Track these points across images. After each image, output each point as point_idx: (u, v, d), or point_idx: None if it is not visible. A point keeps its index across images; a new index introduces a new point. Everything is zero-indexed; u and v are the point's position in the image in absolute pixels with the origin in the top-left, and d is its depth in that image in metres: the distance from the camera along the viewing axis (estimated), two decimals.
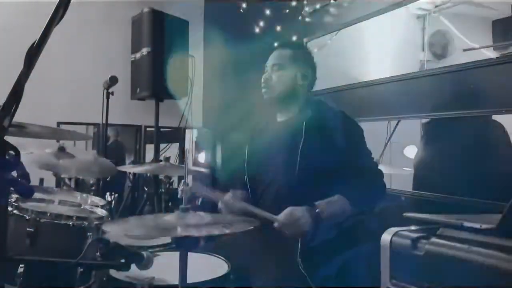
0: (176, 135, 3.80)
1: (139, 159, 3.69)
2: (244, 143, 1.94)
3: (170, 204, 3.18)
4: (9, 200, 1.53)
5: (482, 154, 1.77)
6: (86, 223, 1.57)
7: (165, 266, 1.41)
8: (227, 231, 1.11)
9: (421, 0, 2.16)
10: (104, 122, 2.71)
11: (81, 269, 1.35)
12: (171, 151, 3.69)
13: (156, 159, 3.27)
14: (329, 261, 1.58)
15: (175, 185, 3.57)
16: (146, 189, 3.22)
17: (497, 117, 1.80)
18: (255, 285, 1.56)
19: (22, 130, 1.63)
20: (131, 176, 3.56)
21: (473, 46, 2.07)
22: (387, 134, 2.36)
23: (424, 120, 2.18)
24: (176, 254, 1.15)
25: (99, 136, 3.37)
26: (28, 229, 1.48)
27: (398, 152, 2.38)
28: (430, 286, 1.12)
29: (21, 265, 1.28)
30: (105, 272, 1.36)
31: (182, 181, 3.23)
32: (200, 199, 3.52)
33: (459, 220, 1.15)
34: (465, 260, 1.04)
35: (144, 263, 1.20)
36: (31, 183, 0.81)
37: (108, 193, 2.06)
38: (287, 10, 2.87)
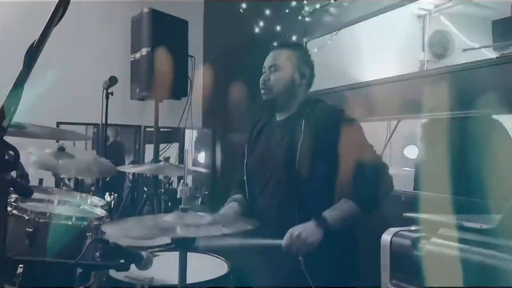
0: (176, 135, 3.80)
1: (138, 159, 3.69)
2: (243, 142, 1.95)
3: (169, 204, 3.18)
4: (9, 200, 1.53)
5: (482, 154, 1.77)
6: (85, 223, 1.57)
7: (164, 266, 1.41)
8: (227, 231, 1.11)
9: (421, 0, 2.16)
10: (103, 122, 2.71)
11: (81, 269, 1.35)
12: (170, 151, 3.69)
13: (156, 159, 3.27)
14: (330, 261, 1.57)
15: (174, 185, 3.58)
16: (145, 189, 3.22)
17: (496, 117, 1.80)
18: (255, 285, 1.56)
19: (21, 130, 1.64)
20: (130, 176, 3.56)
21: (473, 46, 2.07)
22: (387, 134, 2.36)
23: (424, 120, 2.18)
24: (176, 254, 1.15)
25: (99, 136, 3.37)
26: (27, 229, 1.47)
27: (398, 152, 2.38)
28: (430, 286, 1.12)
29: (20, 265, 1.27)
30: (104, 272, 1.36)
31: (182, 181, 3.24)
32: (200, 199, 3.52)
33: (459, 220, 1.15)
34: (465, 260, 1.04)
35: (144, 263, 1.20)
36: (31, 183, 0.81)
37: (107, 193, 2.05)
38: (287, 10, 2.87)
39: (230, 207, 1.79)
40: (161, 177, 3.32)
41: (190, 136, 3.89)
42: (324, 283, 1.50)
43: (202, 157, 3.95)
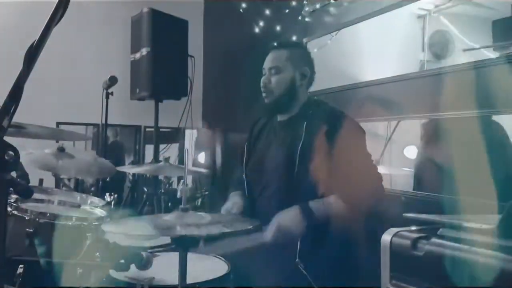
0: (176, 135, 3.80)
1: (138, 160, 3.69)
2: (243, 142, 1.95)
3: (169, 204, 3.18)
4: (9, 200, 1.53)
5: (482, 154, 1.77)
6: (85, 223, 1.57)
7: (165, 266, 1.41)
8: (227, 230, 1.11)
9: (421, 0, 2.16)
10: (103, 122, 2.71)
11: (81, 269, 1.35)
12: (170, 151, 3.69)
13: (156, 159, 3.27)
14: (329, 261, 1.57)
15: (174, 185, 3.58)
16: (145, 189, 3.22)
17: (496, 118, 1.80)
18: (255, 285, 1.56)
19: (21, 130, 1.64)
20: (130, 177, 3.56)
21: (473, 46, 2.07)
22: (387, 134, 2.36)
23: (424, 120, 2.18)
24: (176, 254, 1.15)
25: (99, 137, 3.37)
26: (27, 229, 1.47)
27: (398, 152, 2.38)
28: (430, 287, 1.12)
29: (20, 265, 1.28)
30: (104, 272, 1.36)
31: (182, 181, 3.24)
32: (200, 200, 3.53)
33: (459, 221, 1.15)
34: (465, 260, 1.04)
35: (144, 263, 1.20)
36: (31, 184, 0.81)
37: (107, 194, 2.06)
38: (287, 10, 2.87)
39: (235, 202, 1.78)
40: (161, 177, 3.33)
41: (190, 136, 3.89)
42: (324, 283, 1.50)
43: (202, 157, 3.95)
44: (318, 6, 2.67)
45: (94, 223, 1.58)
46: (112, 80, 2.63)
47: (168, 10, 3.28)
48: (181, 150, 3.82)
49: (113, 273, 1.34)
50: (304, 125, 1.68)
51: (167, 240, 1.79)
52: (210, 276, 1.35)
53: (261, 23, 3.01)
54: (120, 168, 2.37)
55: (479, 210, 1.53)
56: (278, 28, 2.93)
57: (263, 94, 1.80)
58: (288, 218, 1.55)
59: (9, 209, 1.50)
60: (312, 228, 1.53)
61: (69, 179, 3.03)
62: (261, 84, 1.80)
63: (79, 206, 1.86)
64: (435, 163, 2.07)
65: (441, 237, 1.15)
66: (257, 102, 1.87)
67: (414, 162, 2.20)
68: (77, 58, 3.38)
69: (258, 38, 3.00)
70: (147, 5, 3.23)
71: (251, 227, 1.15)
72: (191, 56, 3.42)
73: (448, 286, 1.08)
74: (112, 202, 2.03)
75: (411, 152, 2.31)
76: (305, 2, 2.75)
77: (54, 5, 0.77)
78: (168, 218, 1.19)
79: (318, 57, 1.94)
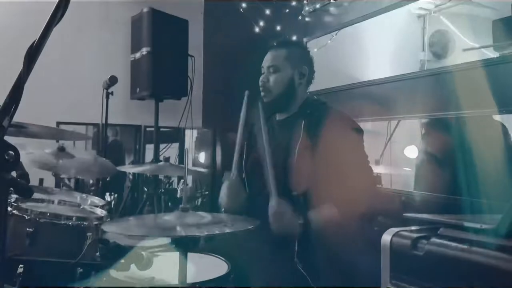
0: (176, 135, 3.80)
1: (138, 159, 3.69)
2: (243, 141, 1.94)
3: (170, 204, 3.18)
4: (9, 200, 1.53)
5: (483, 154, 1.77)
6: (85, 223, 1.57)
7: (165, 266, 1.41)
8: (228, 230, 1.11)
9: (421, 0, 2.16)
10: (103, 122, 2.71)
11: (81, 269, 1.35)
12: (170, 151, 3.69)
13: (156, 159, 3.27)
14: (328, 261, 1.57)
15: (174, 185, 3.58)
16: (145, 189, 3.22)
17: (496, 117, 1.80)
18: (255, 285, 1.56)
19: (21, 130, 1.64)
20: (130, 176, 3.56)
21: (473, 46, 2.07)
22: (387, 134, 2.36)
23: (424, 120, 2.18)
24: (176, 254, 1.15)
25: (99, 136, 3.37)
26: (28, 229, 1.48)
27: (398, 152, 2.38)
28: (430, 286, 1.12)
29: (20, 265, 1.28)
30: (105, 272, 1.36)
31: (182, 180, 3.24)
32: (200, 200, 3.52)
33: (459, 220, 1.15)
34: (466, 260, 1.04)
35: (144, 263, 1.20)
36: (31, 183, 0.81)
37: (107, 193, 2.06)
38: (287, 10, 2.87)
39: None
40: (161, 177, 3.32)
41: (190, 136, 3.89)
42: (324, 283, 1.50)
43: (202, 157, 3.95)
44: (318, 6, 2.67)
45: (94, 223, 1.58)
46: (112, 80, 2.63)
47: (168, 10, 3.28)
48: (181, 150, 3.82)
49: (113, 273, 1.34)
50: (302, 125, 1.68)
51: (167, 240, 1.79)
52: (210, 276, 1.35)
53: (261, 23, 3.01)
54: (120, 168, 2.37)
55: (479, 210, 1.53)
56: (278, 28, 2.93)
57: (262, 94, 1.80)
58: (287, 210, 1.55)
59: (9, 208, 1.50)
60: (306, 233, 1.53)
61: (69, 179, 3.02)
62: (260, 83, 1.80)
63: (79, 205, 1.86)
64: (436, 163, 2.07)
65: (441, 237, 1.15)
66: (257, 102, 1.86)
67: (416, 161, 2.21)
68: (77, 58, 3.38)
69: (258, 38, 3.00)
70: (147, 5, 3.23)
71: (252, 227, 1.15)
72: (191, 56, 3.42)
73: (448, 286, 1.08)
74: (112, 202, 2.03)
75: (411, 152, 2.31)
76: (305, 2, 2.75)
77: (54, 5, 0.77)
78: (168, 218, 1.19)
79: (318, 57, 1.94)
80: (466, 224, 1.11)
